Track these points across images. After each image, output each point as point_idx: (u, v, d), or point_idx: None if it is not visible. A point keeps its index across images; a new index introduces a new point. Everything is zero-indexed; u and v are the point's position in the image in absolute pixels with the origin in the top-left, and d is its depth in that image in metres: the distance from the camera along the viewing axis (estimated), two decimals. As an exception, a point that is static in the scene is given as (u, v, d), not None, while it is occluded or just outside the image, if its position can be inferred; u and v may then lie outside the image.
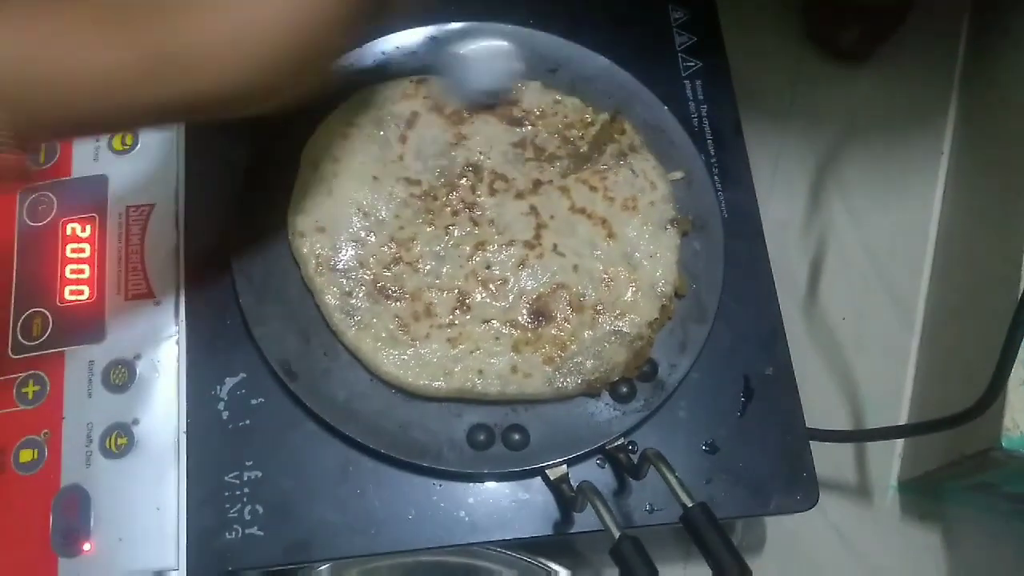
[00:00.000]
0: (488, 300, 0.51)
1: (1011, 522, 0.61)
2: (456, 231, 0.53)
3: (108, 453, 0.48)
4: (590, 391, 0.50)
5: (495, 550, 0.51)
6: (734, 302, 0.54)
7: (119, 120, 0.38)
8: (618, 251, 0.53)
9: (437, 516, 0.48)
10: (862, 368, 0.65)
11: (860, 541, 0.61)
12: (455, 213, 0.53)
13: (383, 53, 0.58)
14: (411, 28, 0.59)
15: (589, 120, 0.57)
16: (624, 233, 0.54)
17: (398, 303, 0.50)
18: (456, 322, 0.50)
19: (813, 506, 0.50)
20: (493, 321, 0.51)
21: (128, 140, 0.54)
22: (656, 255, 0.53)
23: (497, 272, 0.52)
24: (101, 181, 0.53)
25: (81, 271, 0.51)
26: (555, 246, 0.53)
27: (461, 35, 0.59)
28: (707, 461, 0.51)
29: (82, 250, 0.51)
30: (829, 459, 0.59)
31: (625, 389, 0.51)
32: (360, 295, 0.50)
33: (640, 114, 0.58)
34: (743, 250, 0.56)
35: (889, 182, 0.71)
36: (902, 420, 0.64)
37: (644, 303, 0.52)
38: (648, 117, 0.58)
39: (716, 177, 0.57)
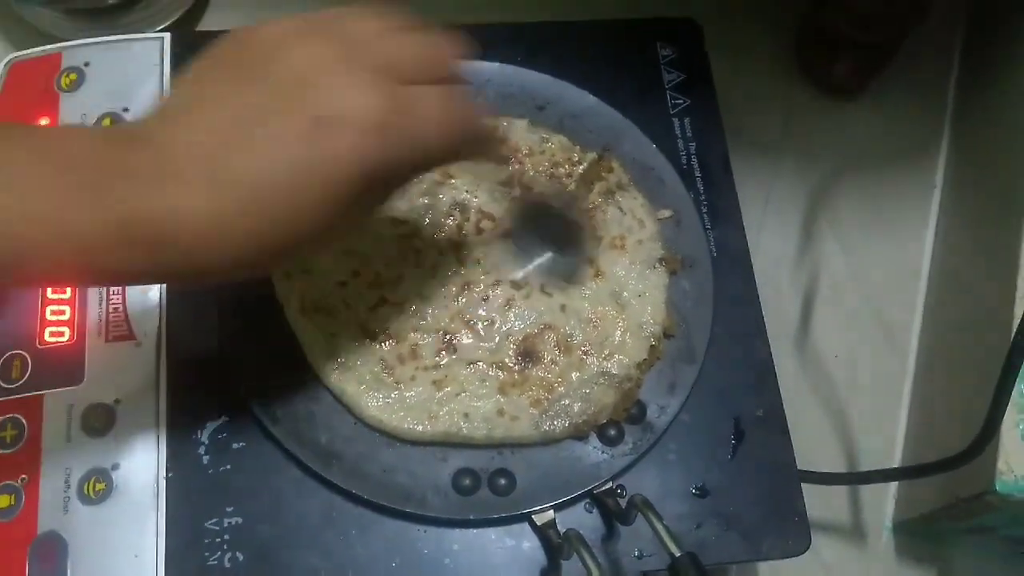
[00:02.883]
0: (474, 342, 0.50)
1: (1009, 565, 0.60)
2: (442, 271, 0.52)
3: (86, 499, 0.47)
4: (578, 434, 0.50)
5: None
6: (724, 342, 0.53)
7: (87, 281, 0.37)
8: (606, 290, 0.53)
9: (422, 563, 0.47)
10: (855, 408, 0.64)
11: (854, 583, 0.60)
12: (441, 253, 0.52)
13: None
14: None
15: (577, 158, 0.56)
16: (612, 272, 0.53)
17: (383, 345, 0.50)
18: (442, 364, 0.50)
19: (805, 550, 0.49)
20: (479, 363, 0.50)
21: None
22: (645, 294, 0.53)
23: (483, 313, 0.51)
24: (83, 221, 0.52)
25: (62, 312, 0.50)
26: (542, 286, 0.52)
27: (448, 73, 0.59)
28: (697, 505, 0.50)
29: (63, 292, 0.51)
30: (823, 500, 0.59)
31: (613, 432, 0.50)
32: (345, 337, 0.50)
33: (628, 152, 0.57)
34: (733, 289, 0.55)
35: (882, 217, 0.71)
36: (896, 460, 0.63)
37: (632, 343, 0.51)
38: (636, 155, 0.57)
39: (705, 215, 0.57)
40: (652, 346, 0.52)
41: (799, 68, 0.74)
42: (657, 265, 0.54)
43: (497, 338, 0.51)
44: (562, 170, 0.56)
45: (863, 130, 0.73)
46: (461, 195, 0.54)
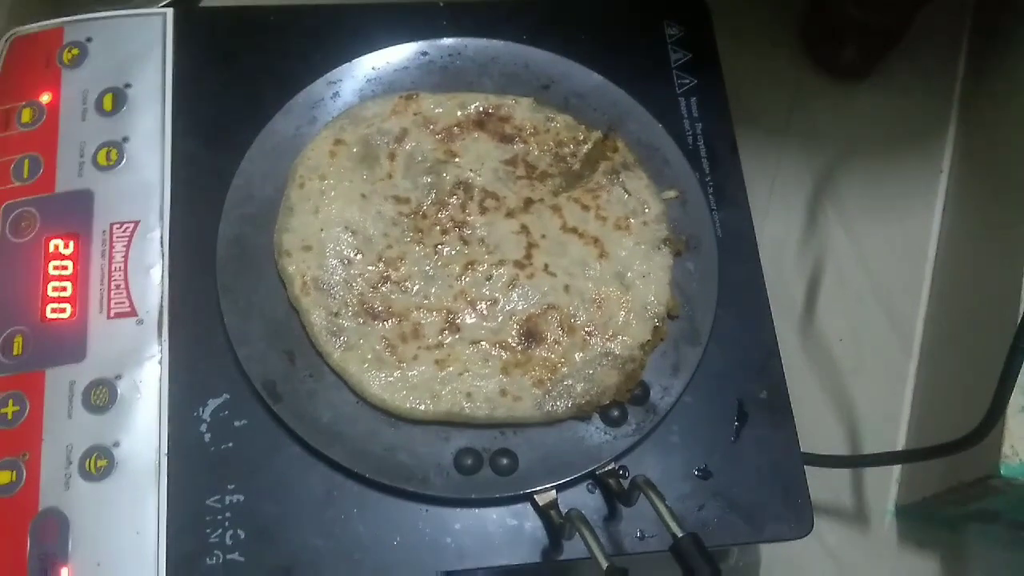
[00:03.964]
0: (477, 321, 0.50)
1: (1012, 550, 0.60)
2: (445, 250, 0.52)
3: (88, 476, 0.47)
4: (580, 415, 0.49)
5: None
6: (728, 324, 0.53)
7: None
8: (610, 271, 0.52)
9: (423, 542, 0.47)
10: (859, 391, 0.64)
11: (857, 567, 0.60)
12: (444, 232, 0.52)
13: (374, 68, 0.57)
14: (402, 43, 0.58)
15: (582, 138, 0.56)
16: (616, 253, 0.53)
17: (385, 324, 0.50)
18: (444, 343, 0.49)
19: (808, 533, 0.49)
20: (482, 343, 0.50)
21: (113, 156, 0.53)
22: (649, 275, 0.53)
23: (487, 292, 0.51)
24: (86, 197, 0.52)
25: (63, 288, 0.50)
26: (546, 266, 0.52)
27: (453, 51, 0.58)
28: (700, 487, 0.49)
29: (65, 267, 0.51)
30: (826, 483, 0.59)
31: (616, 413, 0.50)
32: (347, 315, 0.50)
33: (634, 132, 0.57)
34: (738, 271, 0.55)
35: (888, 201, 0.71)
36: (900, 444, 0.63)
37: (636, 324, 0.51)
38: (642, 135, 0.57)
39: (711, 196, 0.56)
40: (656, 327, 0.52)
41: (806, 51, 0.74)
42: (662, 246, 0.53)
43: (500, 317, 0.50)
44: (567, 149, 0.56)
45: (870, 113, 0.73)
46: (465, 174, 0.54)
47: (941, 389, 0.62)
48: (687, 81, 0.60)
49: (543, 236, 0.53)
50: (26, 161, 0.53)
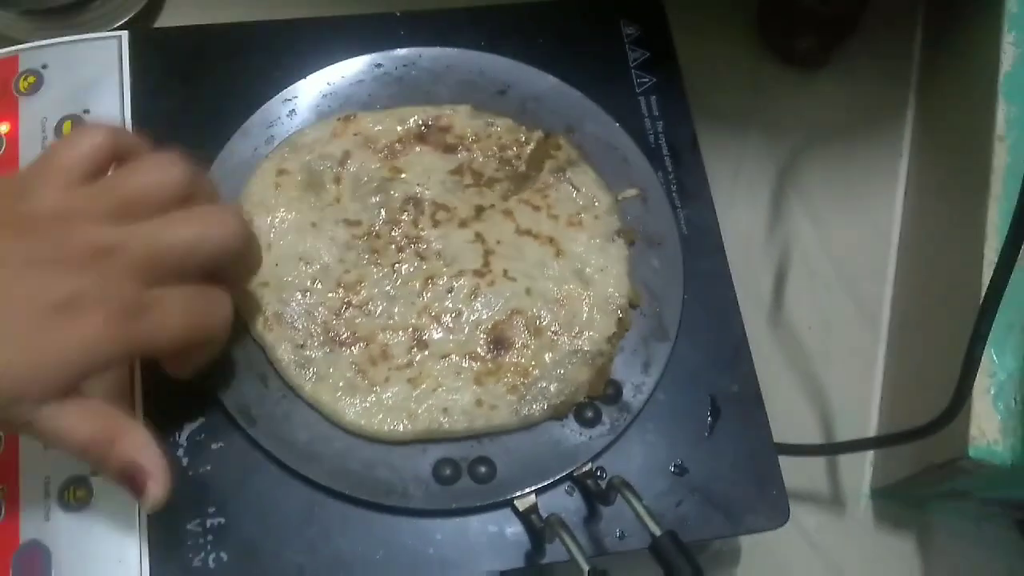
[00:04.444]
0: (444, 335, 0.50)
1: (984, 526, 0.61)
2: (403, 268, 0.52)
3: (67, 506, 0.46)
4: (556, 415, 0.50)
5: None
6: (697, 320, 0.54)
7: None
8: (568, 269, 0.53)
9: (406, 554, 0.47)
10: (830, 379, 0.64)
11: (835, 550, 0.61)
12: (400, 250, 0.52)
13: (329, 83, 0.57)
14: (356, 56, 0.58)
15: (523, 139, 0.56)
16: (572, 250, 0.53)
17: (353, 349, 0.50)
18: (415, 361, 0.50)
19: (784, 523, 0.50)
20: (452, 356, 0.50)
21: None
22: (606, 268, 0.53)
23: (450, 305, 0.51)
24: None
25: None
26: (505, 271, 0.52)
27: (407, 61, 0.58)
28: (677, 483, 0.50)
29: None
30: (802, 469, 0.59)
31: (590, 413, 0.50)
32: (313, 346, 0.49)
33: (592, 131, 0.57)
34: (704, 266, 0.55)
35: (850, 187, 0.71)
36: (872, 428, 0.64)
37: (600, 318, 0.52)
38: (600, 134, 0.57)
39: (675, 194, 0.57)
40: (620, 319, 0.52)
41: (762, 43, 0.74)
42: (615, 238, 0.54)
43: (467, 329, 0.51)
44: (511, 152, 0.56)
45: (829, 102, 0.74)
46: (413, 189, 0.54)
47: (910, 373, 0.63)
48: (646, 80, 0.60)
49: (498, 242, 0.53)
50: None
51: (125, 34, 0.57)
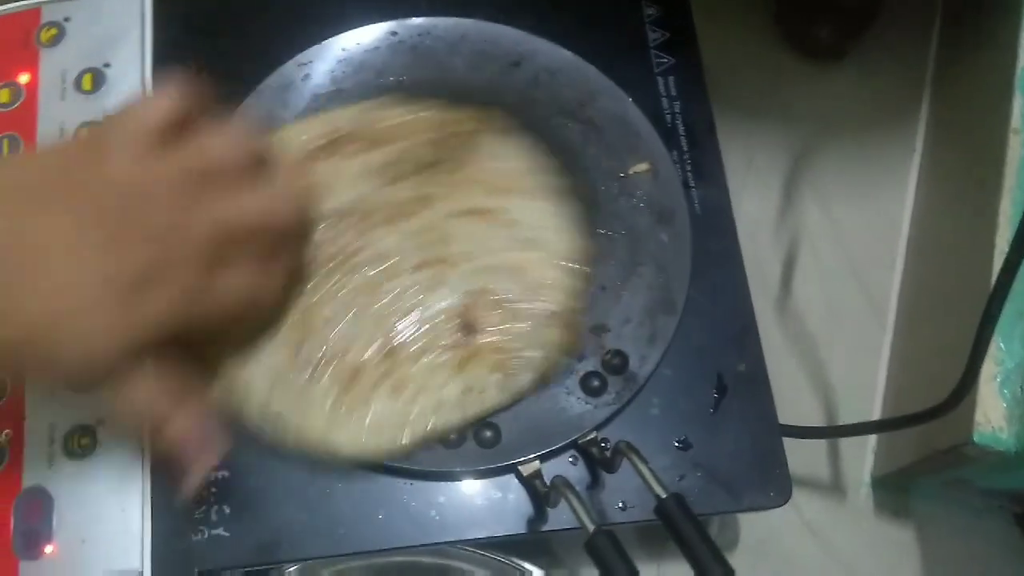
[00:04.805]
0: (414, 335, 0.49)
1: (983, 518, 0.61)
2: (355, 279, 0.50)
3: (71, 454, 0.47)
4: (544, 380, 0.50)
5: (467, 550, 0.51)
6: (706, 299, 0.54)
7: None
8: (514, 236, 0.52)
9: (407, 516, 0.47)
10: (835, 364, 0.65)
11: (834, 537, 0.61)
12: (350, 261, 0.50)
13: (344, 50, 0.57)
14: (371, 24, 0.58)
15: (441, 122, 0.55)
16: (513, 217, 0.53)
17: (324, 378, 0.48)
18: (393, 372, 0.48)
19: (786, 502, 0.50)
20: (428, 353, 0.49)
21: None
22: (546, 225, 0.53)
23: (412, 303, 0.50)
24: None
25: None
26: (455, 256, 0.51)
27: (423, 30, 0.58)
28: (680, 458, 0.50)
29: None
30: (802, 455, 0.59)
31: (596, 383, 0.50)
32: (280, 399, 0.47)
33: (604, 106, 0.57)
34: (715, 247, 0.55)
35: (862, 178, 0.71)
36: (875, 415, 0.64)
37: (556, 275, 0.51)
38: (613, 109, 0.57)
39: (689, 173, 0.57)
40: (574, 270, 0.52)
41: (781, 33, 0.74)
42: (547, 195, 0.54)
43: (435, 321, 0.49)
44: (440, 134, 0.54)
45: (844, 93, 0.74)
46: (346, 199, 0.52)
47: (914, 361, 0.63)
48: (665, 60, 0.60)
49: (444, 227, 0.52)
50: (5, 141, 0.53)
51: (148, -10, 0.57)
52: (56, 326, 0.37)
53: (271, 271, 0.44)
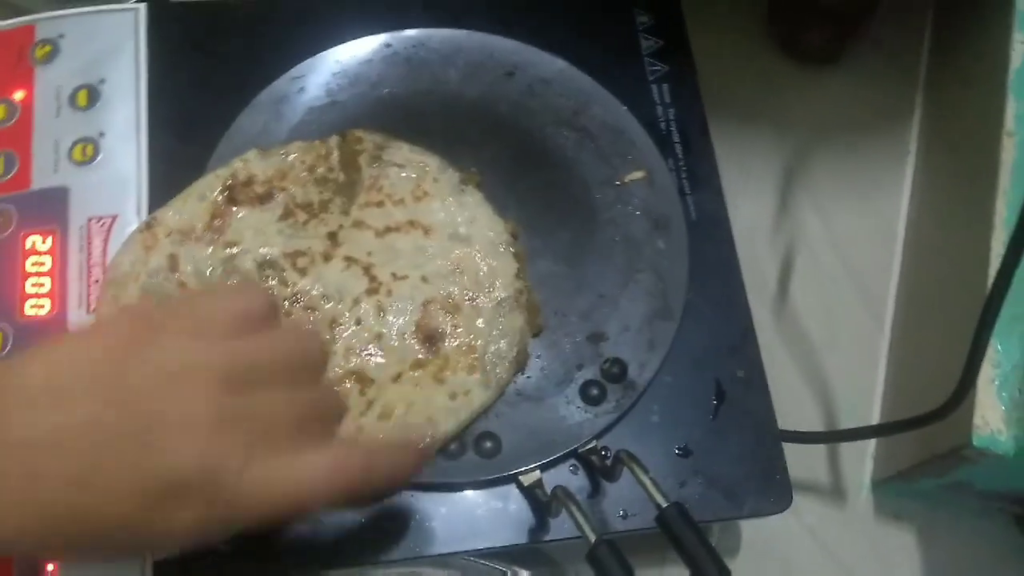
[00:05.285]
0: (381, 361, 0.49)
1: (983, 520, 0.61)
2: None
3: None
4: (521, 367, 0.51)
5: (469, 560, 0.51)
6: (704, 305, 0.54)
7: None
8: (443, 238, 0.53)
9: (409, 527, 0.47)
10: (834, 368, 0.65)
11: (834, 541, 0.61)
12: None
13: (338, 62, 0.58)
14: (366, 36, 0.58)
15: (324, 152, 0.55)
16: (435, 221, 0.53)
17: None
18: (377, 399, 0.48)
19: (787, 508, 0.50)
20: (400, 374, 0.49)
21: (89, 151, 0.53)
22: (474, 219, 0.53)
23: (367, 333, 0.50)
24: (62, 193, 0.52)
25: (42, 285, 0.50)
26: (393, 275, 0.51)
27: (417, 42, 0.59)
28: (680, 465, 0.50)
29: (43, 263, 0.51)
30: (802, 460, 0.59)
31: (596, 391, 0.51)
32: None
33: (598, 114, 0.58)
34: (712, 253, 0.56)
35: (857, 182, 0.72)
36: (874, 419, 0.64)
37: (498, 262, 0.52)
38: (607, 118, 0.58)
39: (685, 180, 0.57)
40: (514, 253, 0.52)
41: (773, 38, 0.75)
42: (463, 188, 0.54)
43: (396, 343, 0.50)
44: (320, 170, 0.54)
45: (838, 98, 0.74)
46: (258, 254, 0.51)
47: (913, 363, 0.63)
48: (658, 68, 0.61)
49: (369, 253, 0.52)
50: (1, 159, 0.53)
51: (143, 6, 0.57)
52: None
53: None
